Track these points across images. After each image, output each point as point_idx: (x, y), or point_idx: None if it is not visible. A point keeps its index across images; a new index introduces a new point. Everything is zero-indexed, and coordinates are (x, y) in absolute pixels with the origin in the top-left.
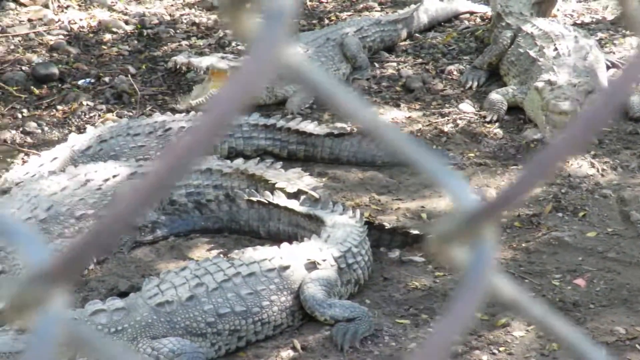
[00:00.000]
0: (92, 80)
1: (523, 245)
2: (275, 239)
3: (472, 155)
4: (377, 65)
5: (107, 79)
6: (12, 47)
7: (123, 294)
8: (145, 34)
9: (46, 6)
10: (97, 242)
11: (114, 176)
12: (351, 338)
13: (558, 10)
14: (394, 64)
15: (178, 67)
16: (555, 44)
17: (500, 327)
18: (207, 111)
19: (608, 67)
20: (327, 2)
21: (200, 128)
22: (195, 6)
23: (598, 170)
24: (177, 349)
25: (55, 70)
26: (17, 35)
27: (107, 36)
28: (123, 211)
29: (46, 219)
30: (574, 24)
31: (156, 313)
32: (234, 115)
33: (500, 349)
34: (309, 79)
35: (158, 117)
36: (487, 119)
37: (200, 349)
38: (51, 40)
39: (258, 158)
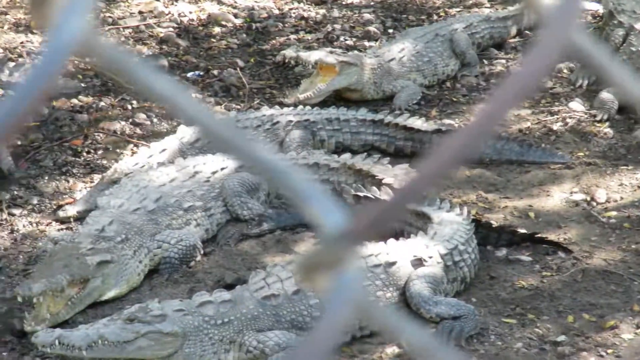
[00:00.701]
0: (201, 73)
1: (632, 246)
2: (381, 235)
3: (582, 154)
4: (485, 62)
5: (215, 72)
6: (122, 39)
7: (229, 286)
8: (254, 27)
9: None
10: (400, 204)
11: (222, 169)
12: (457, 336)
13: None
14: (503, 61)
15: (286, 61)
16: None
17: (609, 329)
18: (505, 85)
19: None
20: None
21: (500, 99)
22: (304, 0)
23: None
24: (283, 343)
25: (164, 62)
26: (128, 27)
27: (216, 29)
28: (428, 172)
29: (155, 210)
30: None
31: (262, 306)
32: (531, 89)
33: (608, 351)
34: None
35: (266, 110)
36: (598, 118)
37: None
38: (161, 32)
39: (365, 153)
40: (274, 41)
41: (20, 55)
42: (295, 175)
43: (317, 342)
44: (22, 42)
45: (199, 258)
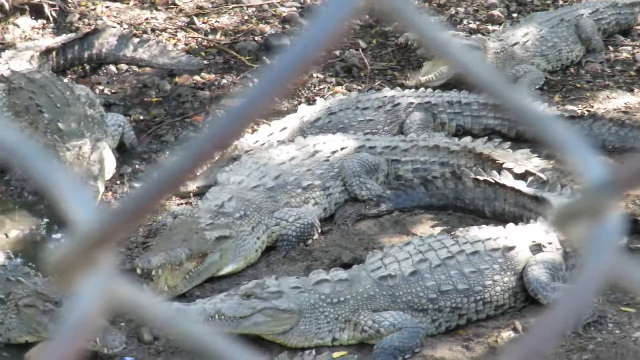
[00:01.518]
0: (324, 53)
1: None
2: (500, 219)
3: None
4: (611, 48)
5: (337, 52)
6: (245, 17)
7: (346, 266)
8: (376, 8)
9: None
10: None
11: (342, 148)
12: (574, 323)
13: None
14: (629, 48)
15: (409, 43)
16: None
17: None
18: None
19: None
20: None
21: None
22: None
23: None
24: (398, 323)
25: (287, 41)
26: (251, 6)
27: None
28: None
29: (274, 188)
30: None
31: (379, 286)
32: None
33: None
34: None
35: (387, 92)
36: None
37: (421, 325)
38: (284, 11)
39: (486, 137)
40: (396, 23)
41: (145, 32)
42: (558, 125)
43: (581, 289)
44: (146, 19)
45: (316, 236)
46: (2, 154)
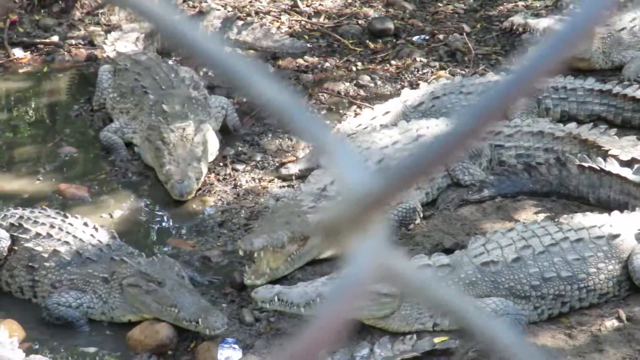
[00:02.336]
0: (427, 37)
1: None
2: (604, 206)
3: None
4: None
5: (441, 37)
6: (349, 0)
7: (448, 251)
8: None
9: None
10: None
11: None
12: None
13: None
14: None
15: (514, 27)
16: None
17: None
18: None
19: None
20: None
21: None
22: None
23: None
24: (500, 310)
25: (390, 25)
26: None
27: None
28: None
29: (376, 172)
30: None
31: (481, 272)
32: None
33: None
34: None
35: (491, 76)
36: None
37: (523, 311)
38: None
39: (591, 123)
40: (501, 7)
41: (249, 14)
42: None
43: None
44: (250, 1)
45: (418, 221)
46: (274, 114)
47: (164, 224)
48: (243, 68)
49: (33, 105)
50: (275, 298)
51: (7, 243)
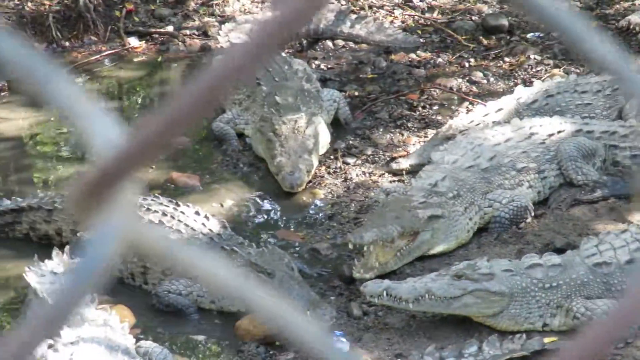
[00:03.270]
0: (541, 35)
1: None
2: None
3: None
4: None
5: (555, 34)
6: None
7: (559, 251)
8: None
9: None
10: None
11: (559, 132)
12: None
13: None
14: None
15: (631, 27)
16: None
17: None
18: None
19: None
20: None
21: None
22: None
23: None
24: None
25: (505, 21)
26: None
27: None
28: None
29: (488, 169)
30: None
31: (593, 273)
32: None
33: None
34: None
35: (607, 75)
36: None
37: None
38: None
39: None
40: (617, 6)
41: (362, 8)
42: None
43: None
44: None
45: (529, 220)
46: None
47: (273, 215)
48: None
49: (147, 94)
50: (384, 293)
51: None
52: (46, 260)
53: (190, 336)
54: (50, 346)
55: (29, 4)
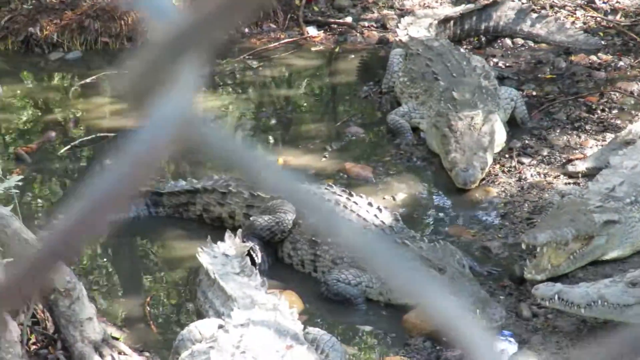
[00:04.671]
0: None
1: None
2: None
3: None
4: None
5: None
6: None
7: None
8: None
9: None
10: None
11: None
12: None
13: None
14: None
15: None
16: None
17: None
18: None
19: None
20: None
21: None
22: None
23: None
24: None
25: None
26: None
27: None
28: None
29: None
30: None
31: None
32: None
33: None
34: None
35: None
36: None
37: None
38: None
39: None
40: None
41: (543, 7)
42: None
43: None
44: None
45: None
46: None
47: (445, 210)
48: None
49: (323, 84)
50: (556, 297)
51: (292, 216)
52: (219, 242)
53: (357, 326)
54: (220, 327)
55: None
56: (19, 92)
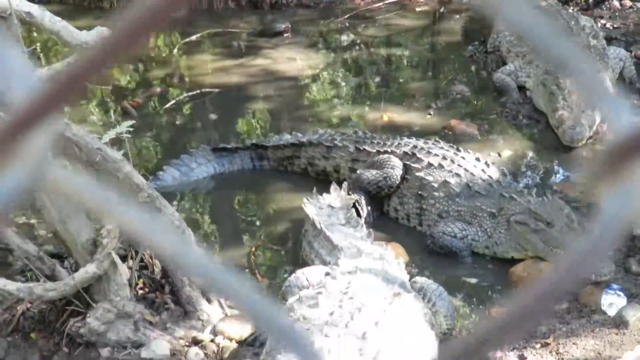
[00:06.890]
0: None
1: None
2: None
3: None
4: None
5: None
6: None
7: None
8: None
9: None
10: None
11: None
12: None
13: None
14: None
15: None
16: None
17: None
18: None
19: None
20: None
21: None
22: None
23: None
24: None
25: None
26: None
27: None
28: None
29: None
30: None
31: None
32: None
33: None
34: None
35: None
36: None
37: None
38: None
39: None
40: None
41: None
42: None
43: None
44: None
45: None
46: None
47: (551, 167)
48: None
49: (428, 44)
50: None
51: (400, 172)
52: (324, 194)
53: (463, 278)
54: (327, 274)
55: None
56: None
